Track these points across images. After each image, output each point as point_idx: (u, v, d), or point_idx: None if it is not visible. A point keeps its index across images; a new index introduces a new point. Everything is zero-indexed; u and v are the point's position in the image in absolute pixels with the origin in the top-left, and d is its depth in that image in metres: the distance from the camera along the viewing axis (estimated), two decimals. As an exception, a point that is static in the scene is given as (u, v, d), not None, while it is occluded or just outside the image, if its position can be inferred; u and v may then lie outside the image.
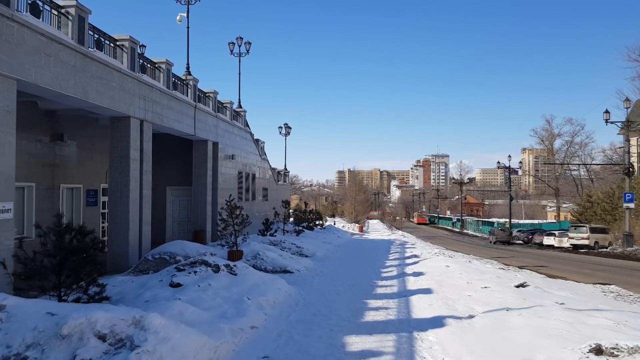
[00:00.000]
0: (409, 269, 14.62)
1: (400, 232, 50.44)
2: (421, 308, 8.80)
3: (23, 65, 10.79)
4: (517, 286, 10.70)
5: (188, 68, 21.57)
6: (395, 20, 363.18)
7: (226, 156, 25.40)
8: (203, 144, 22.87)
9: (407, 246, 26.64)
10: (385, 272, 14.66)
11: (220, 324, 6.47)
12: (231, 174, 26.14)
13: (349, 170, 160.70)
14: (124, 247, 15.71)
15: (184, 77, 21.02)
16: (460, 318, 7.81)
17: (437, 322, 7.65)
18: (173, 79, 19.61)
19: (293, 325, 7.55)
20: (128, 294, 9.27)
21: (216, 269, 10.22)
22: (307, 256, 20.12)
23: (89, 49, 13.51)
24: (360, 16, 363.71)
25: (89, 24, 13.59)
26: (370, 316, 8.28)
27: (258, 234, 24.11)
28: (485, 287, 10.40)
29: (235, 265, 10.49)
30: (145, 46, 23.99)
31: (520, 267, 18.20)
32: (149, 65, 17.70)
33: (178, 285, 9.48)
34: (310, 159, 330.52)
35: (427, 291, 10.54)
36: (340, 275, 13.85)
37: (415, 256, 18.93)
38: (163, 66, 18.33)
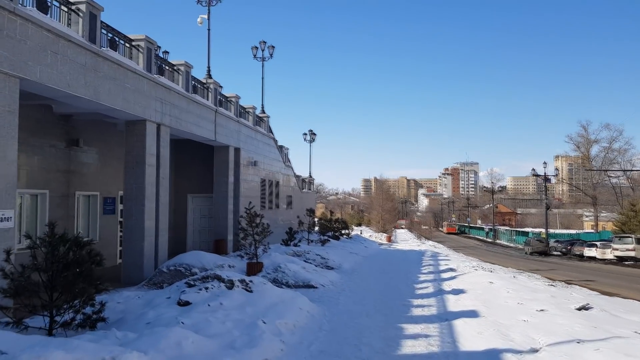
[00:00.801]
0: (446, 285, 13.23)
1: (430, 242, 48.64)
2: (469, 337, 7.43)
3: (27, 63, 10.00)
4: (579, 309, 9.24)
5: (209, 71, 20.77)
6: (422, 27, 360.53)
7: (249, 162, 24.46)
8: (224, 150, 21.98)
9: (440, 258, 25.10)
10: (420, 288, 13.30)
11: (225, 357, 5.35)
12: (254, 181, 25.18)
13: (375, 178, 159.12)
14: (139, 258, 14.81)
15: (204, 81, 20.22)
16: (520, 352, 6.45)
17: (492, 357, 6.31)
18: (193, 82, 18.79)
19: (315, 358, 6.34)
20: (130, 314, 8.23)
21: (230, 284, 9.11)
22: (332, 268, 18.89)
23: (101, 47, 12.72)
24: (388, 21, 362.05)
25: (102, 22, 12.81)
26: (408, 347, 6.97)
27: (281, 244, 23.05)
28: (542, 310, 8.99)
29: (251, 281, 9.36)
30: (168, 52, 23.32)
31: (567, 283, 16.58)
32: (167, 68, 16.91)
33: (187, 303, 8.40)
34: (336, 168, 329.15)
35: (473, 314, 9.16)
36: (369, 292, 12.56)
37: (452, 270, 17.46)
38: (182, 68, 17.52)
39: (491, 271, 18.00)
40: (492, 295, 11.02)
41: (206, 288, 8.89)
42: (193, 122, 18.10)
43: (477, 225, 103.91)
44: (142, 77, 14.48)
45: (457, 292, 11.91)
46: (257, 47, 28.80)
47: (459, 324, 8.32)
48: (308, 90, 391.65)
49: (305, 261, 19.06)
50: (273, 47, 28.81)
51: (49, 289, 7.32)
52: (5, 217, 9.68)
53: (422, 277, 15.82)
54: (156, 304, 8.60)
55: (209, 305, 8.11)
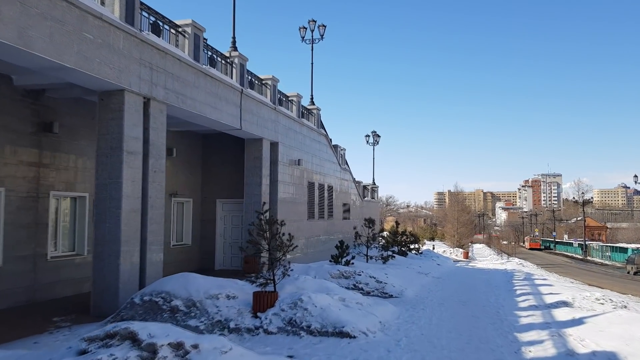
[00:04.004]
0: (575, 339, 7.79)
1: (516, 259, 41.69)
2: None
3: None
4: None
5: (234, 43, 16.56)
6: (500, 31, 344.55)
7: (290, 161, 19.99)
8: (256, 144, 17.66)
9: (537, 282, 19.12)
10: (529, 343, 7.92)
11: None
12: (297, 184, 20.63)
13: (449, 191, 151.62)
14: (112, 281, 10.64)
15: (227, 54, 16.04)
16: None
17: None
18: (209, 53, 14.69)
19: None
20: None
21: (150, 353, 4.40)
22: (390, 296, 13.84)
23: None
24: (465, 17, 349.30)
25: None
26: None
27: (330, 261, 18.19)
28: None
29: (196, 346, 4.60)
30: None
31: None
32: (168, 28, 12.83)
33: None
34: (408, 180, 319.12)
35: None
36: (441, 350, 7.43)
37: (565, 304, 11.79)
38: (188, 30, 13.38)
39: (625, 306, 12.17)
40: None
41: (98, 361, 4.24)
42: (205, 101, 13.86)
43: (564, 241, 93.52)
44: (116, 28, 10.38)
45: (608, 359, 6.52)
46: (305, 28, 24.49)
47: None
48: (372, 93, 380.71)
49: (353, 286, 14.16)
50: (324, 26, 24.35)
51: None
52: None
53: (525, 317, 10.34)
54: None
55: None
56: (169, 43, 12.73)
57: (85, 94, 11.86)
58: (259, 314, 8.85)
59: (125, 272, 10.76)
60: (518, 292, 15.15)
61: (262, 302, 9.04)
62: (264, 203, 11.42)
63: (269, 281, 9.87)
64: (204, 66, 13.83)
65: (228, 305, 9.00)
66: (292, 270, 9.97)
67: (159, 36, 12.24)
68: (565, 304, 11.79)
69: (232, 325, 8.53)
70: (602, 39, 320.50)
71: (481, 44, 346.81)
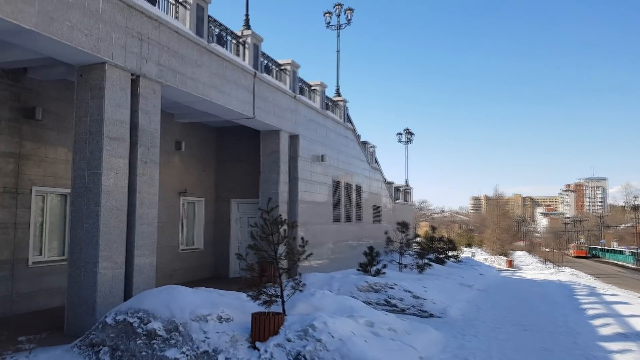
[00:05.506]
0: None
1: (567, 269, 38.31)
2: None
3: None
4: None
5: (247, 21, 14.63)
6: (549, 31, 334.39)
7: (313, 157, 17.87)
8: (273, 136, 15.66)
9: (605, 297, 16.33)
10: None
11: None
12: (320, 183, 18.49)
13: (486, 196, 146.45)
14: (89, 293, 8.76)
15: (239, 33, 14.10)
16: None
17: None
18: (216, 30, 12.76)
19: None
20: None
21: None
22: (431, 315, 11.51)
23: None
24: (504, 21, 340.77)
25: None
26: None
27: (358, 269, 16.00)
28: None
29: None
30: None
31: None
32: (165, -3, 10.94)
33: None
34: (441, 185, 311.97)
35: None
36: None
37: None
38: (190, 0, 11.46)
39: None
40: None
41: None
42: (210, 83, 11.92)
43: (614, 248, 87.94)
44: (92, -13, 8.51)
45: None
46: (330, 13, 22.41)
47: None
48: (403, 94, 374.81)
49: (385, 302, 11.91)
50: (351, 9, 22.18)
51: None
52: None
53: (618, 354, 7.77)
54: None
55: None
56: (166, 14, 10.85)
57: (71, 74, 10.04)
58: (257, 343, 6.74)
59: (105, 282, 8.86)
60: (589, 312, 12.51)
61: (263, 327, 6.92)
62: (270, 199, 9.29)
63: (274, 298, 7.74)
64: (209, 44, 11.89)
65: (219, 331, 6.92)
66: (304, 284, 7.80)
67: (153, 4, 10.36)
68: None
69: (221, 358, 6.44)
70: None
71: (529, 33, 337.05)
